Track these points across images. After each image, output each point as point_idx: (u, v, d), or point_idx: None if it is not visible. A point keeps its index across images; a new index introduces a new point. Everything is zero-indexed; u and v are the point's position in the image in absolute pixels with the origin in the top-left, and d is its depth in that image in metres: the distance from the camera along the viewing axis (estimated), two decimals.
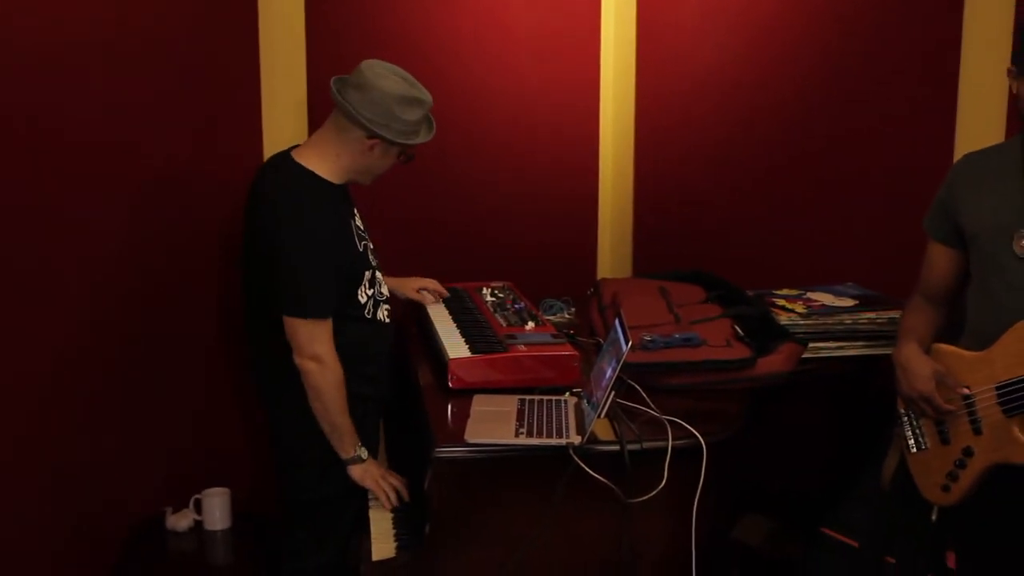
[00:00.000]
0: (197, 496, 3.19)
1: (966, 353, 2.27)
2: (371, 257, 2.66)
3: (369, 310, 2.62)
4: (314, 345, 2.47)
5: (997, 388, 2.15)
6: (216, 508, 3.17)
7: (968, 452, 2.23)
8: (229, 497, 3.20)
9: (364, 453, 2.59)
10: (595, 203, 3.81)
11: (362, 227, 2.68)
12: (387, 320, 2.71)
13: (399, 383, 2.92)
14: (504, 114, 3.61)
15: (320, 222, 2.48)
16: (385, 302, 2.70)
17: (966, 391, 2.23)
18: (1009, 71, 2.20)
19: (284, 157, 2.59)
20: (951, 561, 2.45)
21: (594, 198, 3.81)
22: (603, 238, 3.85)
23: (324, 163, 2.55)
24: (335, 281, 2.53)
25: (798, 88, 3.39)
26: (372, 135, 2.51)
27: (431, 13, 3.45)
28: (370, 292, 2.63)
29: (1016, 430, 2.13)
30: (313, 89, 3.30)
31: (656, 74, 3.72)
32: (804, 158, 3.40)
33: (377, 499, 2.55)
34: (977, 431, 2.21)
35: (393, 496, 2.53)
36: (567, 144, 3.73)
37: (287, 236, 2.46)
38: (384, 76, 2.53)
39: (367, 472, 2.58)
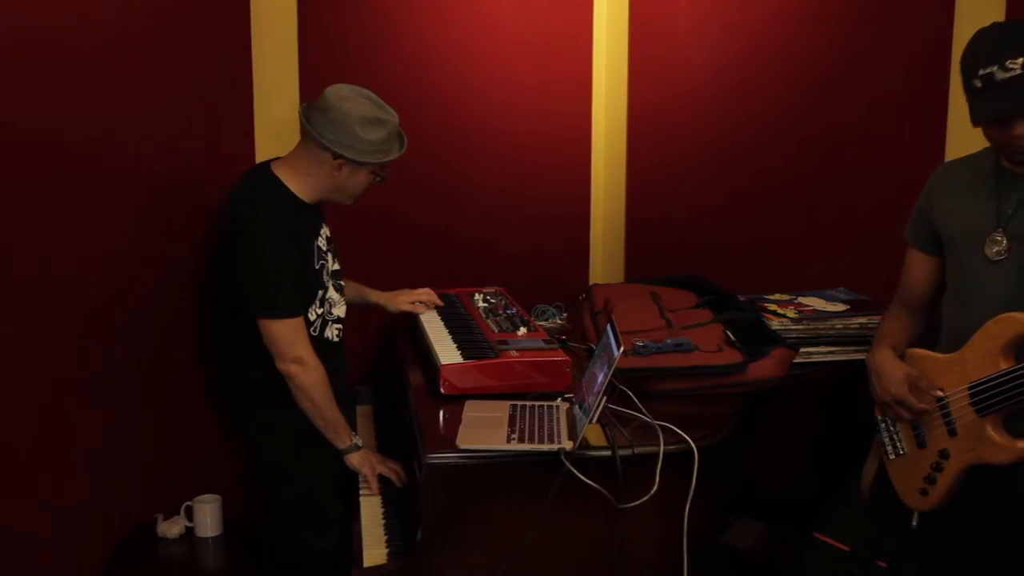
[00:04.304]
0: (188, 503, 3.19)
1: (938, 356, 2.31)
2: (327, 277, 2.72)
3: (316, 328, 2.67)
4: (294, 348, 2.56)
5: (970, 388, 2.18)
6: (207, 515, 3.16)
7: (944, 454, 2.25)
8: (220, 504, 3.20)
9: (360, 441, 2.67)
10: (587, 208, 3.81)
11: (326, 247, 2.73)
12: (336, 339, 2.76)
13: (391, 389, 2.93)
14: (495, 119, 3.60)
15: (283, 230, 2.55)
16: (336, 322, 2.76)
17: (940, 393, 2.26)
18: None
19: (263, 168, 2.69)
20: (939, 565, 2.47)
21: (586, 203, 3.81)
22: (595, 243, 3.85)
23: (297, 181, 2.65)
24: (300, 283, 2.60)
25: (790, 92, 3.40)
26: (337, 156, 2.58)
27: (423, 17, 3.45)
28: (320, 311, 2.68)
29: (990, 429, 2.15)
30: (305, 95, 3.30)
31: (648, 78, 3.72)
32: (796, 163, 3.42)
33: (369, 488, 2.60)
34: (952, 433, 2.23)
35: (396, 478, 2.60)
36: (559, 149, 3.73)
37: (253, 241, 2.54)
38: (347, 99, 2.60)
39: (365, 459, 2.65)
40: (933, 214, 2.39)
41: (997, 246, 2.21)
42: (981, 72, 2.10)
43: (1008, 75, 2.07)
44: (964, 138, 2.71)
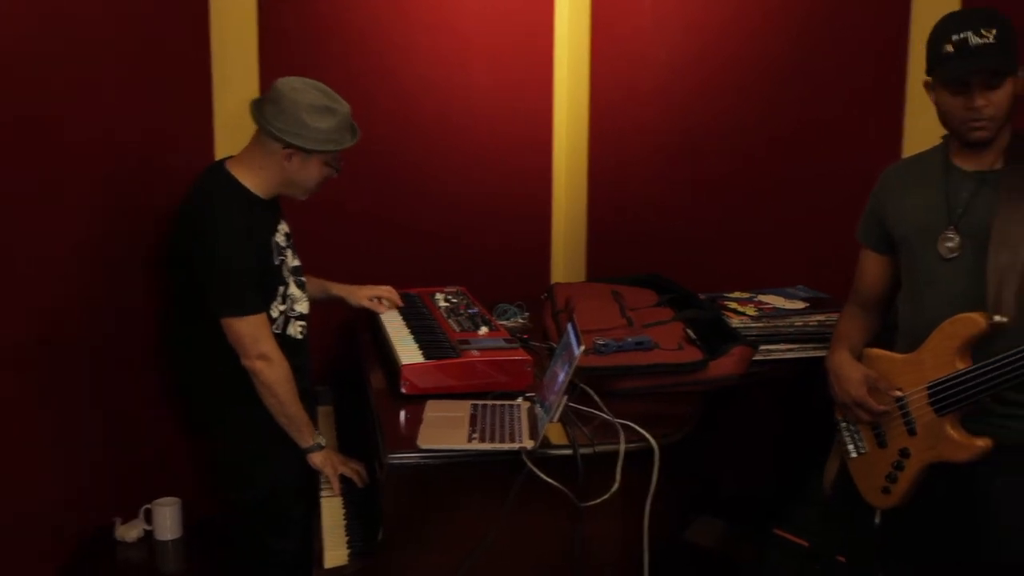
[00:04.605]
0: (147, 506, 3.16)
1: (896, 356, 2.33)
2: (287, 273, 2.70)
3: (279, 325, 2.66)
4: (259, 344, 2.54)
5: (928, 388, 2.20)
6: (167, 518, 3.13)
7: (905, 453, 2.28)
8: (180, 506, 3.17)
9: (323, 440, 2.66)
10: (549, 207, 3.82)
11: (285, 243, 2.72)
12: (300, 336, 2.74)
13: (352, 390, 2.91)
14: (456, 117, 3.60)
15: (239, 227, 2.54)
16: (300, 319, 2.74)
17: (898, 393, 2.28)
18: (925, 83, 2.25)
19: (218, 166, 2.67)
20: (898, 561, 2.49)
21: (548, 202, 3.82)
22: (557, 242, 3.85)
23: (250, 176, 2.63)
24: (261, 280, 2.59)
25: (750, 92, 3.42)
26: (287, 145, 2.57)
27: (384, 15, 3.44)
28: (282, 307, 2.67)
29: (949, 428, 2.18)
30: (265, 90, 3.26)
31: (610, 76, 3.73)
32: (756, 162, 3.44)
33: (330, 489, 2.59)
34: (912, 432, 2.26)
35: (357, 478, 2.60)
36: (520, 147, 3.73)
37: (210, 240, 2.52)
38: (296, 88, 2.60)
39: (327, 459, 2.64)
40: (885, 213, 2.41)
41: (950, 243, 2.23)
42: (954, 37, 2.12)
43: (981, 41, 2.09)
44: (921, 137, 2.73)
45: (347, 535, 2.40)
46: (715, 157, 3.54)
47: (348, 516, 2.49)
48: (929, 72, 2.22)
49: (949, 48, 2.13)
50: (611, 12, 3.69)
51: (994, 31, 2.10)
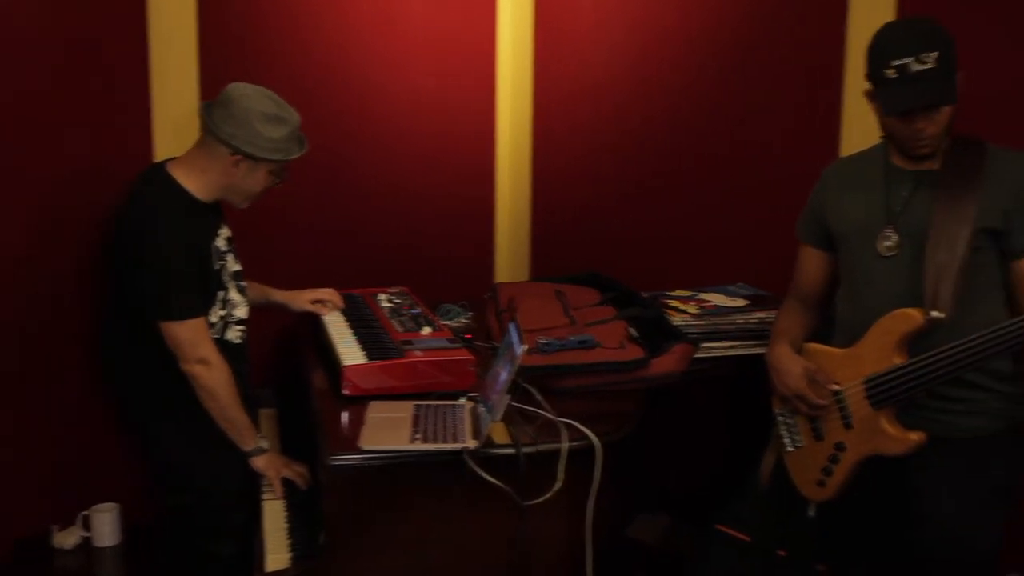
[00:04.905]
0: (85, 512, 3.10)
1: (835, 350, 2.37)
2: (227, 278, 2.67)
3: (218, 330, 2.63)
4: (198, 348, 2.52)
5: (865, 382, 2.24)
6: (105, 524, 3.09)
7: (840, 447, 2.32)
8: (118, 512, 3.12)
9: (265, 443, 2.63)
10: (492, 206, 3.81)
11: (226, 247, 2.69)
12: (237, 341, 2.72)
13: (294, 392, 2.89)
14: (398, 117, 3.58)
15: (178, 231, 2.51)
16: (239, 324, 2.72)
17: (836, 387, 2.32)
18: (866, 92, 2.28)
19: (158, 168, 2.64)
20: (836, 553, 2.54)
21: (491, 201, 3.81)
22: (501, 241, 3.85)
23: (192, 179, 2.60)
24: (200, 283, 2.57)
25: (691, 93, 3.45)
26: (235, 151, 2.54)
27: (326, 15, 3.41)
28: (221, 313, 2.65)
29: (884, 422, 2.22)
30: (206, 94, 3.23)
31: (553, 77, 3.74)
32: (698, 161, 3.47)
33: (272, 492, 2.57)
34: (848, 426, 2.30)
35: (300, 481, 2.57)
36: (463, 147, 3.72)
37: (148, 243, 2.50)
38: (248, 95, 2.57)
39: (270, 462, 2.61)
40: (825, 211, 2.45)
41: (888, 241, 2.27)
42: (895, 63, 2.14)
43: (923, 67, 2.12)
44: (858, 136, 2.79)
45: (289, 538, 2.38)
46: (658, 157, 3.56)
47: (290, 519, 2.47)
48: (870, 82, 2.25)
49: (891, 73, 2.15)
50: (554, 13, 3.70)
51: (935, 54, 2.11)
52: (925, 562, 2.31)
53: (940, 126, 2.19)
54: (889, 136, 2.28)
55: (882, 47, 2.19)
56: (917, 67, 2.12)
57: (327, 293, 3.08)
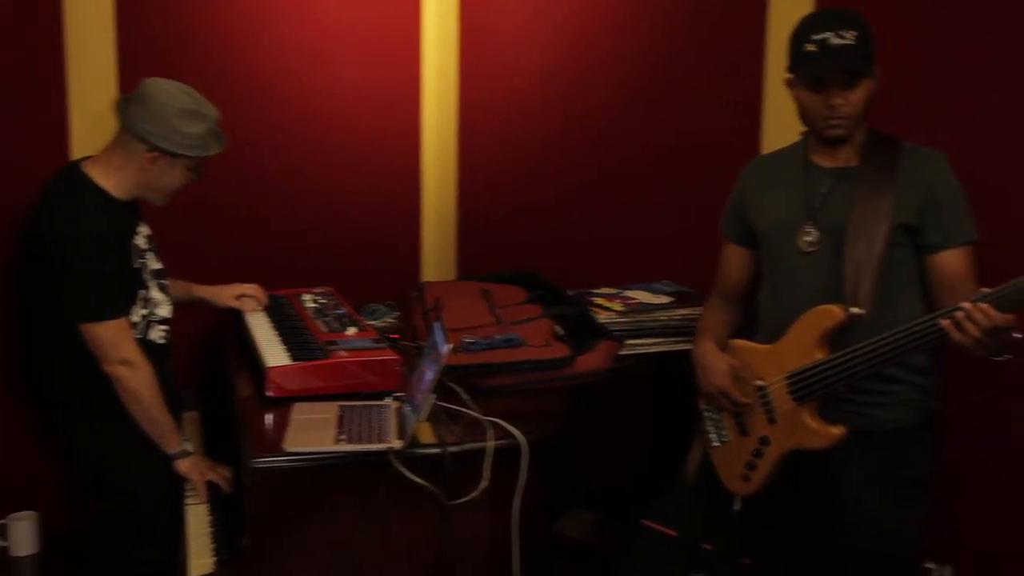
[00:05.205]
0: (2, 521, 3.04)
1: (759, 346, 2.41)
2: (148, 277, 2.64)
3: (140, 330, 2.60)
4: (120, 349, 2.48)
5: (788, 377, 2.28)
6: (23, 533, 3.03)
7: (765, 441, 2.35)
8: (37, 520, 3.06)
9: (189, 446, 2.60)
10: (418, 205, 3.80)
11: (146, 246, 2.65)
12: (161, 341, 2.68)
13: (218, 394, 2.85)
14: (323, 116, 3.55)
15: (95, 230, 2.47)
16: (161, 323, 2.68)
17: (760, 383, 2.35)
18: (786, 80, 2.32)
19: (73, 167, 2.59)
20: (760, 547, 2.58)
21: (417, 200, 3.80)
22: (427, 241, 3.84)
23: (109, 177, 2.55)
24: (120, 283, 2.53)
25: (616, 92, 3.48)
26: (152, 148, 2.51)
27: (245, 7, 3.37)
28: (143, 312, 2.61)
29: (807, 416, 2.26)
30: (124, 87, 3.17)
31: (479, 75, 3.74)
32: (624, 161, 3.50)
33: (196, 496, 2.54)
34: (772, 420, 2.33)
35: (225, 484, 2.54)
36: (389, 146, 3.70)
37: (66, 243, 2.45)
38: (166, 91, 2.54)
39: (194, 465, 2.58)
40: (746, 208, 2.48)
41: (809, 237, 2.31)
42: (815, 37, 2.20)
43: (842, 42, 2.17)
44: (779, 134, 2.83)
45: (213, 542, 2.35)
46: (584, 156, 3.58)
47: (214, 523, 2.44)
48: (790, 70, 2.29)
49: (811, 47, 2.20)
50: (479, 10, 3.70)
51: (854, 32, 2.18)
52: (848, 554, 2.35)
53: (854, 106, 2.23)
54: (805, 118, 2.31)
55: (803, 28, 2.26)
56: (836, 41, 2.17)
57: (252, 288, 3.05)
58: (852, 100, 2.22)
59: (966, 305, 1.98)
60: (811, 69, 2.22)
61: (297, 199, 3.55)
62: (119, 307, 2.51)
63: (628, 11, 3.44)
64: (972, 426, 2.66)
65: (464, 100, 3.76)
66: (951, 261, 2.24)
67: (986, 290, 1.99)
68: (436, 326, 2.31)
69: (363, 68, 3.60)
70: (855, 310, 2.19)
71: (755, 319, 2.53)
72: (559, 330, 2.82)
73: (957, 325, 2.00)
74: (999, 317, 1.95)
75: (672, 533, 2.72)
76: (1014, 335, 1.99)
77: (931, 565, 2.78)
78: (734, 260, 2.57)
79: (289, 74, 3.47)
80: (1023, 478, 2.72)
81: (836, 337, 2.23)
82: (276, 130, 3.45)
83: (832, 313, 2.22)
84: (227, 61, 3.33)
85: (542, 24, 3.60)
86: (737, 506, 2.47)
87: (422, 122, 3.75)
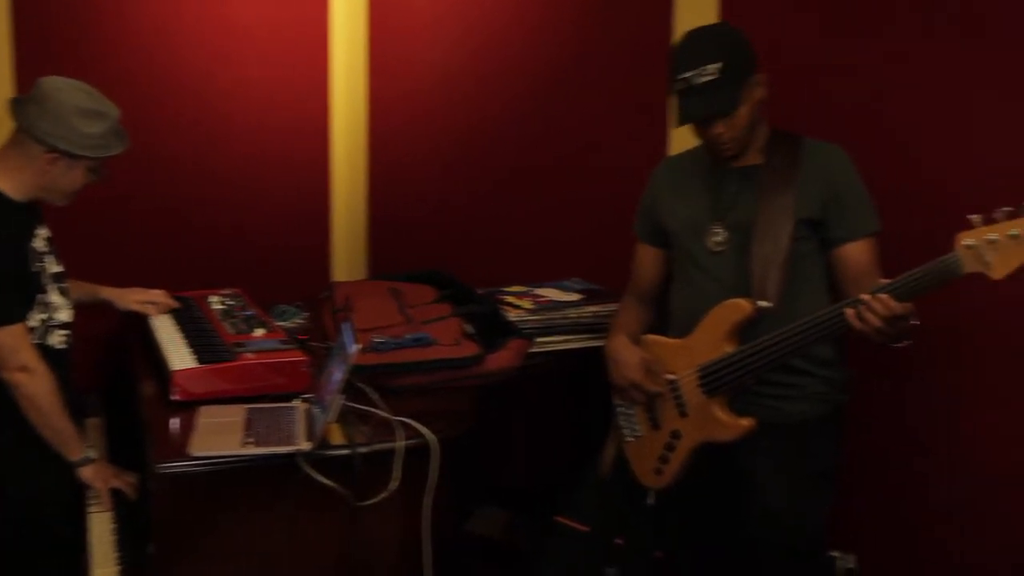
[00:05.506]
0: None
1: (670, 341, 2.44)
2: (47, 280, 2.57)
3: (39, 335, 2.53)
4: (19, 355, 2.41)
5: (699, 371, 2.32)
6: None
7: (676, 435, 2.39)
8: None
9: (92, 453, 2.54)
10: (327, 205, 3.77)
11: (45, 248, 2.59)
12: (61, 346, 2.61)
13: (122, 398, 2.80)
14: (231, 116, 3.50)
15: None
16: (61, 328, 2.61)
17: (671, 376, 2.39)
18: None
19: None
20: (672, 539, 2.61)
21: (326, 200, 3.77)
22: (337, 241, 3.81)
23: (5, 179, 2.49)
24: (17, 287, 2.46)
25: (525, 91, 3.49)
26: (51, 149, 2.45)
27: (151, 8, 3.31)
28: (42, 316, 2.54)
29: (717, 409, 2.30)
30: (22, 86, 3.09)
31: (388, 73, 3.72)
32: (534, 158, 3.51)
33: (100, 504, 2.49)
34: (683, 414, 2.37)
35: (130, 490, 2.49)
36: (297, 146, 3.67)
37: None
38: (63, 89, 2.48)
39: (97, 472, 2.53)
40: (657, 210, 2.52)
41: (717, 237, 2.36)
42: (680, 76, 2.25)
43: (706, 79, 2.21)
44: (685, 134, 2.86)
45: (117, 551, 2.31)
46: (494, 155, 3.59)
47: (119, 530, 2.39)
48: (670, 89, 2.34)
49: (680, 86, 2.26)
50: (388, 9, 3.69)
51: (717, 65, 2.21)
52: (755, 545, 2.40)
53: (736, 129, 2.28)
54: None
55: (673, 61, 2.30)
56: (699, 80, 2.22)
57: (157, 295, 2.99)
58: (733, 125, 2.28)
59: (866, 296, 2.04)
60: (680, 114, 2.28)
61: (204, 200, 3.50)
62: (16, 312, 2.44)
63: (537, 12, 3.45)
64: (871, 416, 2.73)
65: (373, 98, 3.74)
66: (855, 253, 2.30)
67: (885, 281, 2.05)
68: (344, 326, 2.29)
69: (271, 65, 3.56)
70: (762, 304, 2.24)
71: (668, 317, 2.57)
72: (469, 329, 2.83)
73: (859, 315, 2.06)
74: (898, 307, 2.01)
75: (584, 528, 2.74)
76: (912, 322, 2.06)
77: (836, 554, 2.84)
78: (646, 260, 2.61)
79: (195, 72, 3.42)
80: (921, 466, 2.80)
81: (745, 331, 2.27)
82: (182, 129, 3.40)
83: (740, 307, 2.26)
84: (130, 59, 3.27)
85: (452, 22, 3.60)
86: (651, 500, 2.50)
87: (331, 121, 3.73)
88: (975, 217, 1.93)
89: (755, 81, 2.29)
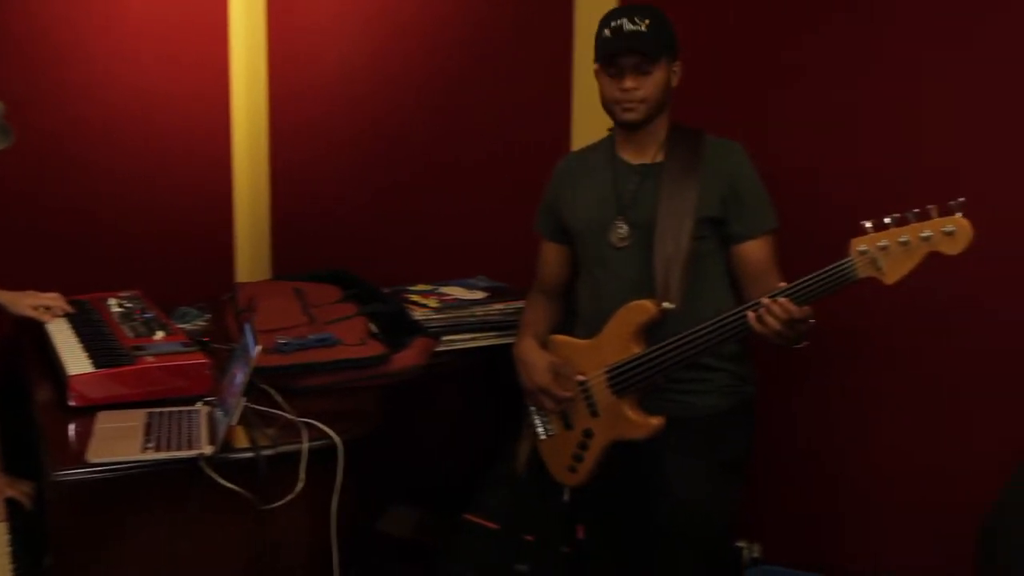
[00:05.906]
0: None
1: (578, 342, 2.46)
2: None
3: None
4: None
5: (607, 371, 2.34)
6: None
7: (588, 434, 2.41)
8: None
9: None
10: (230, 205, 3.72)
11: None
12: None
13: (17, 406, 2.72)
14: (126, 115, 3.42)
15: None
16: None
17: (581, 377, 2.41)
18: (595, 71, 2.39)
19: None
20: (581, 533, 2.63)
21: (228, 201, 3.72)
22: (241, 241, 3.76)
23: None
24: None
25: (427, 90, 3.49)
26: None
27: (36, 10, 3.21)
28: None
29: (627, 408, 2.33)
30: None
31: (289, 72, 3.68)
32: (436, 157, 3.51)
33: None
34: (594, 414, 2.39)
35: (26, 500, 2.41)
36: (198, 145, 3.60)
37: None
38: None
39: None
40: (559, 206, 2.54)
41: (621, 231, 2.38)
42: (612, 23, 2.29)
43: (634, 27, 2.26)
44: (588, 131, 2.89)
45: (12, 563, 2.23)
46: (398, 152, 3.58)
47: (14, 542, 2.31)
48: (596, 59, 2.36)
49: (607, 32, 2.30)
50: (287, 4, 3.64)
51: (647, 21, 2.27)
52: (666, 537, 2.43)
53: (648, 90, 2.31)
54: (605, 105, 2.38)
55: (604, 18, 2.34)
56: (630, 27, 2.27)
57: (51, 298, 2.90)
58: (645, 84, 2.30)
59: (765, 300, 2.08)
60: (605, 51, 2.31)
61: (102, 199, 3.42)
62: None
63: (439, 7, 3.45)
64: (774, 408, 2.79)
65: (274, 96, 3.70)
66: (754, 250, 2.34)
67: (784, 285, 2.10)
68: (246, 328, 2.26)
69: (169, 63, 3.49)
70: (666, 305, 2.27)
71: (574, 313, 2.59)
72: (374, 328, 2.81)
73: (759, 318, 2.10)
74: (796, 310, 2.06)
75: (494, 526, 2.75)
76: (810, 321, 2.11)
77: (742, 543, 2.90)
78: (551, 257, 2.63)
79: (91, 69, 3.34)
80: (823, 456, 2.88)
81: (651, 330, 2.30)
82: (78, 128, 3.31)
83: (645, 308, 2.29)
84: (24, 64, 3.17)
85: (352, 18, 3.58)
86: (566, 497, 2.52)
87: (232, 119, 3.67)
88: (867, 223, 1.98)
89: (675, 64, 2.34)
